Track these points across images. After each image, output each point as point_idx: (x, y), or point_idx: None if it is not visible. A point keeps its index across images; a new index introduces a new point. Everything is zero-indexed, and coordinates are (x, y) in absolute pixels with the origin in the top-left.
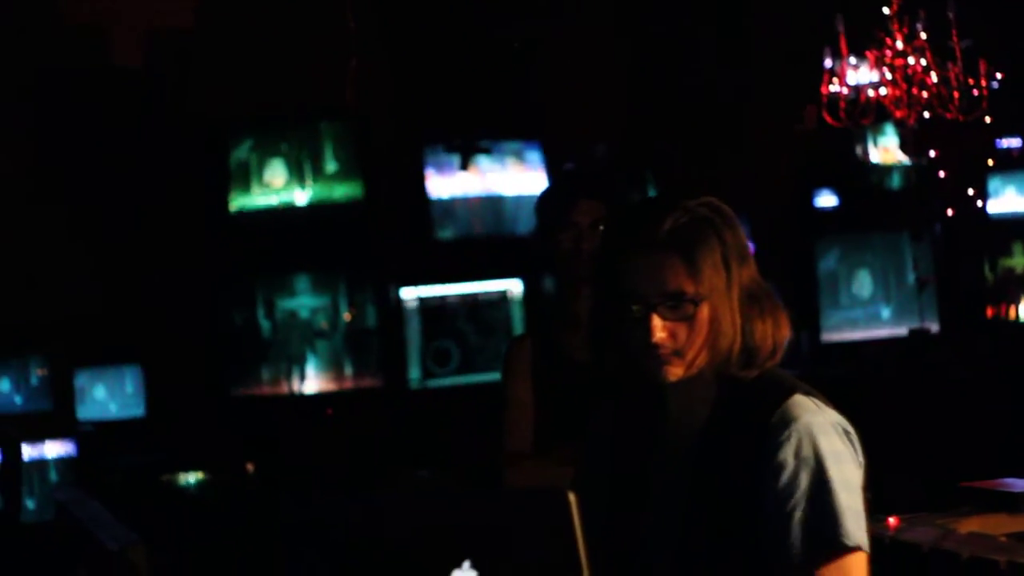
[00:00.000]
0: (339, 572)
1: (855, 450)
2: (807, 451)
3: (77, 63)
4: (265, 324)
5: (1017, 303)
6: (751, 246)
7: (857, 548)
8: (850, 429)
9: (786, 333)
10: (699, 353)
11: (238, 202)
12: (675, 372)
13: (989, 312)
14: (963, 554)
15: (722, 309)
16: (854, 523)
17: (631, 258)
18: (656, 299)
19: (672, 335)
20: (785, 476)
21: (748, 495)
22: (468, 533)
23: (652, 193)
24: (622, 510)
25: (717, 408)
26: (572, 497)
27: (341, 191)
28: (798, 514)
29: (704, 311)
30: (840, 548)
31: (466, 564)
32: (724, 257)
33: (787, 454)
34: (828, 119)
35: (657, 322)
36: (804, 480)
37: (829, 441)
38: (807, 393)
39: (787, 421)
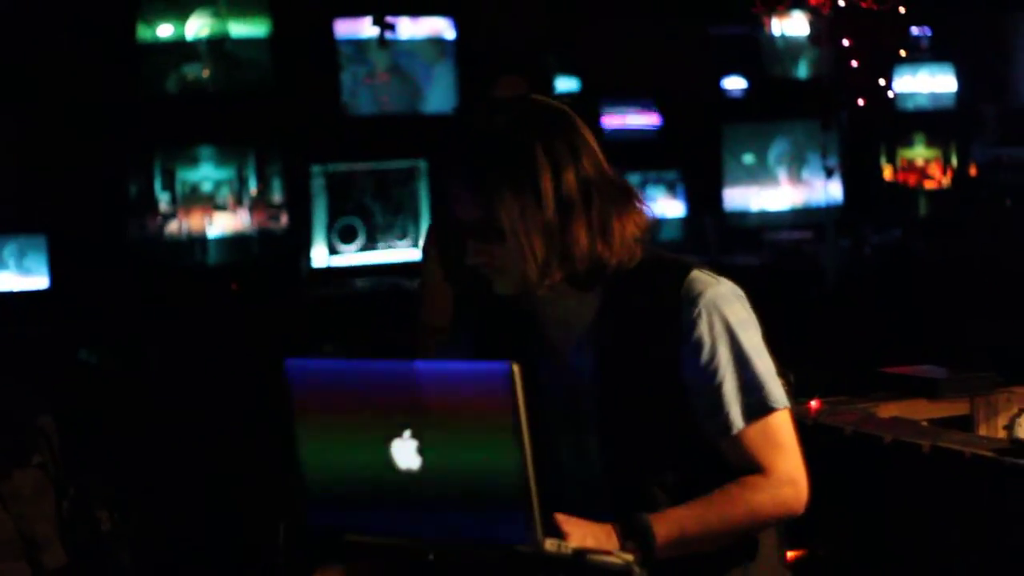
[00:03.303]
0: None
1: (753, 314)
2: (719, 325)
3: None
4: (163, 195)
5: (917, 195)
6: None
7: (783, 407)
8: (743, 294)
9: (635, 227)
10: (534, 266)
11: (147, 69)
12: (505, 286)
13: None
14: (886, 437)
15: (532, 228)
16: (774, 385)
17: (445, 185)
18: (465, 224)
19: (490, 256)
20: (705, 353)
21: (668, 377)
22: (409, 403)
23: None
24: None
25: (607, 304)
26: (516, 369)
27: (253, 65)
28: (727, 386)
29: (511, 235)
30: (769, 411)
31: (406, 434)
32: (531, 176)
33: (702, 331)
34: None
35: (470, 245)
36: (723, 353)
37: (735, 310)
38: (699, 266)
39: (692, 298)
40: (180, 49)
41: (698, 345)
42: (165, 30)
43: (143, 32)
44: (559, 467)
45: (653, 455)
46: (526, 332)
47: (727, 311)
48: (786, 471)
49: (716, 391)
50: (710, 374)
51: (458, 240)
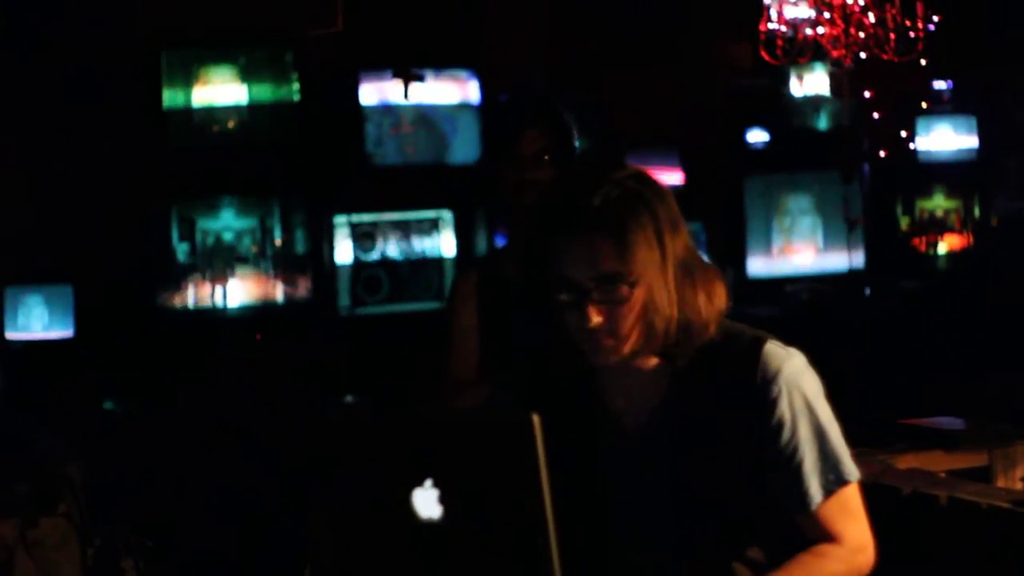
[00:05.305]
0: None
1: (820, 382)
2: (799, 402)
3: None
4: (182, 247)
5: (937, 246)
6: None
7: (857, 479)
8: (808, 362)
9: (721, 304)
10: (636, 333)
11: (172, 124)
12: (613, 354)
13: (911, 253)
14: (904, 488)
15: (657, 286)
16: (848, 457)
17: (561, 240)
18: (589, 283)
19: (608, 318)
20: (786, 431)
21: (747, 454)
22: (430, 452)
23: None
24: (578, 507)
25: (680, 376)
26: (536, 420)
27: (277, 117)
28: (806, 463)
29: (639, 291)
30: (845, 484)
31: (428, 483)
32: (657, 232)
33: (783, 409)
34: (765, 56)
35: (592, 307)
36: (803, 429)
37: (809, 383)
38: (770, 337)
39: (771, 377)
40: (205, 104)
41: (780, 424)
42: (189, 84)
43: (168, 90)
44: (625, 538)
45: (731, 530)
46: (589, 401)
47: (804, 386)
48: (857, 538)
49: (796, 468)
50: (791, 452)
51: (560, 302)
